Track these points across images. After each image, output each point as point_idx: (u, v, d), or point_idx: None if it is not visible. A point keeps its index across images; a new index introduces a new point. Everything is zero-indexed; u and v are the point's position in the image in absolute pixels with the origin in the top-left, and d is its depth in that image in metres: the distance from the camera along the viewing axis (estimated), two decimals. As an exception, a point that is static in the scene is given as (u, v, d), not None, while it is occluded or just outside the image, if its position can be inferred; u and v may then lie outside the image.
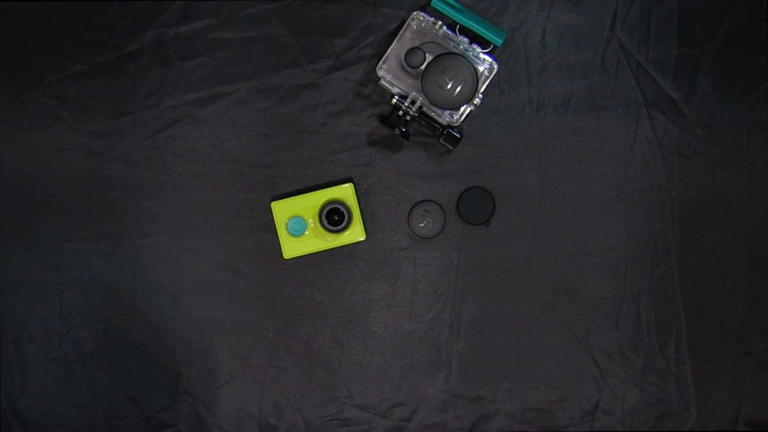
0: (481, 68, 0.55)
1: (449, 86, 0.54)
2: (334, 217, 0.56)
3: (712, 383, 0.59)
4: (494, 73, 0.55)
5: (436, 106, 0.55)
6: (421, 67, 0.54)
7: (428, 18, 0.55)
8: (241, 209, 0.59)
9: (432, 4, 0.55)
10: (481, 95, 0.55)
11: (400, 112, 0.55)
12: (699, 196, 0.59)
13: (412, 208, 0.59)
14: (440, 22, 0.55)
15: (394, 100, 0.55)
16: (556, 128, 0.58)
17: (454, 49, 0.55)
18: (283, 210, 0.57)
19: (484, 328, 0.59)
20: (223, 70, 0.58)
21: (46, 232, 0.59)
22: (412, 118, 0.56)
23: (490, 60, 0.55)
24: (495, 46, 0.55)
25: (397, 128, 0.55)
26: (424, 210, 0.58)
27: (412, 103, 0.55)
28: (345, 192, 0.57)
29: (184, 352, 0.59)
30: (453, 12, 0.55)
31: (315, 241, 0.57)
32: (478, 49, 0.55)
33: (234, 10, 0.58)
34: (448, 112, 0.55)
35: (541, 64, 0.58)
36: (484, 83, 0.55)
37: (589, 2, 0.58)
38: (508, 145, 0.59)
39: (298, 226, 0.57)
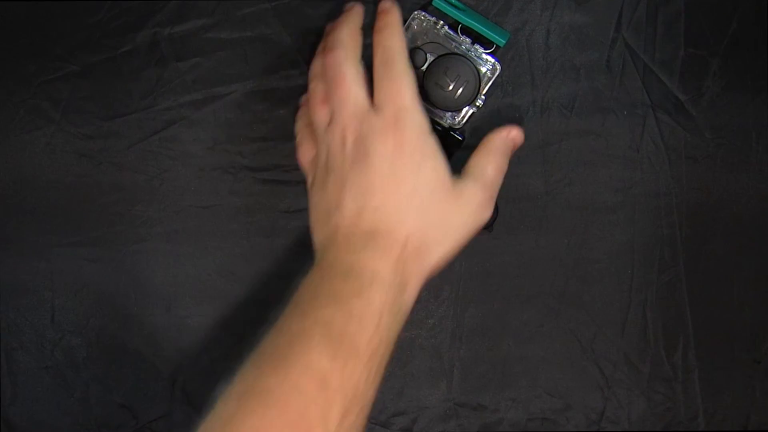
0: (483, 69, 0.54)
1: (451, 87, 0.53)
2: None
3: (721, 391, 0.58)
4: (497, 74, 0.54)
5: (438, 108, 0.54)
6: (422, 68, 0.53)
7: (430, 18, 0.54)
8: (237, 213, 0.58)
9: (433, 3, 0.54)
10: (483, 97, 0.54)
11: None
12: (707, 200, 0.58)
13: (412, 212, 0.58)
14: (442, 22, 0.54)
15: None
16: (561, 130, 0.58)
17: (456, 50, 0.54)
18: None
19: (487, 335, 0.58)
20: (219, 71, 0.57)
21: (38, 237, 0.58)
22: None
23: (493, 61, 0.54)
24: (498, 47, 0.54)
25: None
26: (426, 214, 0.57)
27: None
28: None
29: (180, 359, 0.58)
30: (455, 12, 0.54)
31: None
32: (481, 50, 0.54)
33: (230, 9, 0.57)
34: (449, 114, 0.54)
35: (545, 65, 0.57)
36: (486, 84, 0.54)
37: (594, 2, 0.57)
38: (512, 148, 0.58)
39: None
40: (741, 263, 0.58)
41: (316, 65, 0.52)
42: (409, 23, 0.54)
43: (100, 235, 0.58)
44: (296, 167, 0.58)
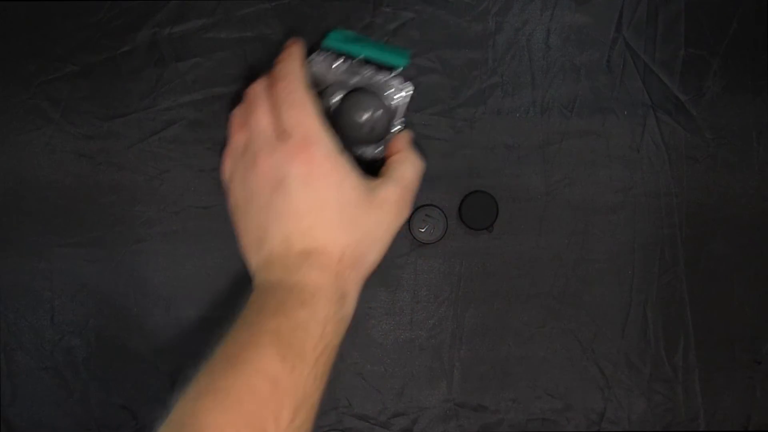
0: (393, 95, 0.54)
1: (364, 121, 0.52)
2: None
3: (721, 392, 0.58)
4: (410, 95, 0.54)
5: (357, 144, 0.54)
6: (332, 109, 0.53)
7: (328, 57, 0.54)
8: (237, 214, 0.58)
9: (323, 45, 0.53)
10: (403, 120, 0.54)
11: None
12: (708, 201, 0.58)
13: (413, 212, 0.57)
14: (342, 58, 0.54)
15: None
16: (561, 131, 0.57)
17: (360, 83, 0.53)
18: None
19: (487, 335, 0.58)
20: (219, 71, 0.57)
21: (37, 237, 0.57)
22: None
23: (401, 83, 0.54)
24: (400, 68, 0.54)
25: None
26: (426, 215, 0.57)
27: None
28: None
29: (179, 359, 0.58)
30: (347, 47, 0.53)
31: None
32: (386, 75, 0.54)
33: (230, 9, 0.57)
34: (371, 147, 0.54)
35: (546, 65, 0.57)
36: (400, 109, 0.54)
37: (594, 2, 0.57)
38: (512, 148, 0.57)
39: None
40: (741, 264, 0.58)
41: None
42: (309, 67, 0.54)
43: (100, 235, 0.58)
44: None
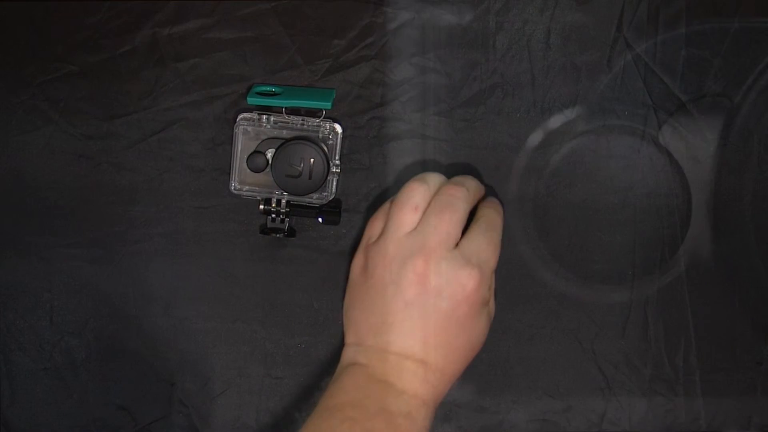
0: (325, 138, 0.54)
1: (302, 172, 0.53)
2: None
3: (722, 393, 0.58)
4: (340, 135, 0.55)
5: (299, 195, 0.54)
6: (268, 168, 0.54)
7: (253, 116, 0.54)
8: (236, 214, 0.57)
9: (248, 102, 0.54)
10: (338, 161, 0.55)
11: (273, 216, 0.55)
12: (708, 201, 0.57)
13: (413, 213, 0.57)
14: (266, 115, 0.54)
15: (262, 207, 0.55)
16: (561, 131, 0.57)
17: (290, 134, 0.54)
18: None
19: (487, 336, 0.58)
20: (219, 71, 0.57)
21: (36, 238, 0.57)
22: (287, 214, 0.55)
23: (329, 126, 0.54)
24: (327, 110, 0.55)
25: (282, 232, 0.55)
26: (426, 215, 0.57)
27: (279, 202, 0.55)
28: None
29: (179, 361, 0.58)
30: (272, 100, 0.54)
31: None
32: (315, 121, 0.54)
33: (230, 9, 0.57)
34: (315, 194, 0.55)
35: (546, 65, 0.57)
36: (334, 150, 0.55)
37: (595, 1, 0.57)
38: (512, 148, 0.57)
39: None
40: (741, 264, 0.58)
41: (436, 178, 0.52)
42: (236, 132, 0.55)
43: (99, 236, 0.58)
44: (296, 168, 0.58)
